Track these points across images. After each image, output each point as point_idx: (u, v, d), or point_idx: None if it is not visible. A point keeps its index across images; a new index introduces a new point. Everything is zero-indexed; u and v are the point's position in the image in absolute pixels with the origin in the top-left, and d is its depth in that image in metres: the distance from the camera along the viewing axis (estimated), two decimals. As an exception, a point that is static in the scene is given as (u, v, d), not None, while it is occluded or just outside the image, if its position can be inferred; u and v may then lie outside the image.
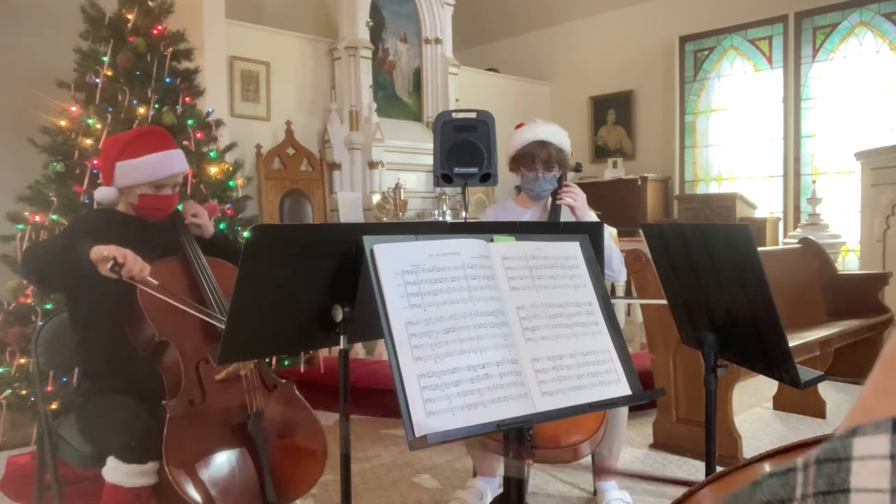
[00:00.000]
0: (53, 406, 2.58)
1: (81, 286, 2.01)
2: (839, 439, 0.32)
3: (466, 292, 1.19)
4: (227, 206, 3.46)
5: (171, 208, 2.23)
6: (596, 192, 6.16)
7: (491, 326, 1.18)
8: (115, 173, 2.14)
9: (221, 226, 3.35)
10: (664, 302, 1.70)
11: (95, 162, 2.95)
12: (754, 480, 0.34)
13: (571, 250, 1.37)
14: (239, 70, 5.90)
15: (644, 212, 7.30)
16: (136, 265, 1.83)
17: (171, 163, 2.17)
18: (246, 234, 3.35)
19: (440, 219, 6.19)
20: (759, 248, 1.52)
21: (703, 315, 1.56)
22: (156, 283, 1.90)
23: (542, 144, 2.49)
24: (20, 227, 3.03)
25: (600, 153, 8.29)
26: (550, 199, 2.54)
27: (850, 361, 3.73)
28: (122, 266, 1.80)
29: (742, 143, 7.27)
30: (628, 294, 4.83)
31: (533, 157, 2.48)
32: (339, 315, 1.51)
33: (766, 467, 0.57)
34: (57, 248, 1.90)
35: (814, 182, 6.33)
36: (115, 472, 1.86)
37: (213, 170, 3.43)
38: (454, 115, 2.79)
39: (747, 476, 0.58)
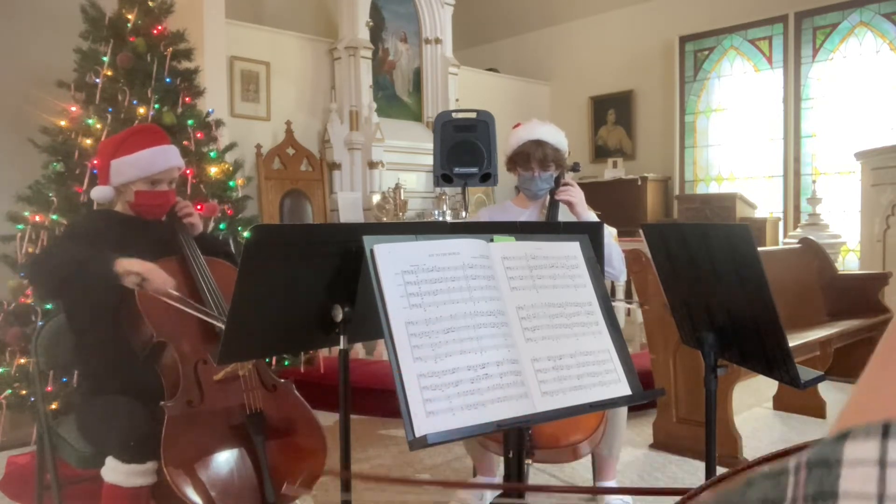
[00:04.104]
0: (53, 406, 2.58)
1: (89, 294, 2.01)
2: (830, 443, 0.32)
3: (466, 292, 1.19)
4: (227, 206, 3.46)
5: (168, 205, 2.23)
6: (596, 192, 6.16)
7: (491, 326, 1.18)
8: (110, 171, 2.15)
9: (221, 226, 3.35)
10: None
11: (95, 162, 2.95)
12: (748, 478, 0.35)
13: (571, 250, 1.37)
14: (239, 70, 5.89)
15: (644, 212, 7.29)
16: (160, 280, 1.88)
17: (166, 157, 2.18)
18: (246, 234, 3.35)
19: (440, 219, 6.19)
20: (759, 248, 1.51)
21: (704, 315, 1.56)
22: (178, 294, 1.93)
23: (538, 144, 2.48)
24: (20, 227, 3.03)
25: (600, 153, 8.29)
26: (548, 198, 2.54)
27: (850, 361, 3.72)
28: (147, 281, 1.85)
29: (742, 143, 7.26)
30: (628, 295, 4.83)
31: (529, 157, 2.48)
32: (339, 315, 1.50)
33: (766, 470, 0.57)
34: (73, 261, 1.89)
35: (814, 182, 6.32)
36: (114, 472, 1.86)
37: (213, 170, 3.43)
38: (454, 115, 2.78)
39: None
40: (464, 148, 2.69)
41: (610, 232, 2.43)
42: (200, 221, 2.31)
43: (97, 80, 3.23)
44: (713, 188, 7.47)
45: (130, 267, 1.85)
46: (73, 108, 3.20)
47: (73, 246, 1.98)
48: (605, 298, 1.35)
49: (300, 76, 6.36)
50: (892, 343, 0.35)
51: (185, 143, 3.31)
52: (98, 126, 3.13)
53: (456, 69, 7.12)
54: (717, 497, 0.36)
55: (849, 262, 6.36)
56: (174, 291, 1.92)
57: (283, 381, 2.15)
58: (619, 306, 4.78)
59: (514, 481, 1.36)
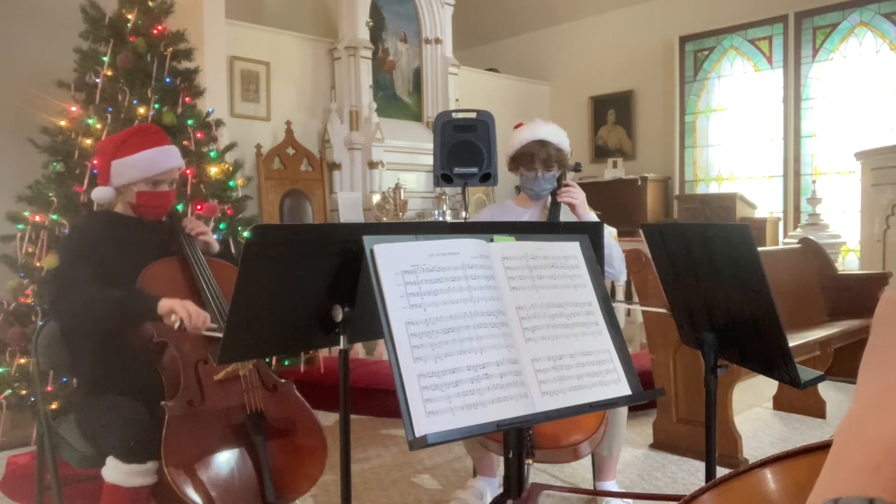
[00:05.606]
0: (53, 406, 2.58)
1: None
2: None
3: (466, 292, 1.19)
4: (227, 206, 3.45)
5: (169, 205, 2.23)
6: (596, 192, 6.16)
7: (491, 326, 1.18)
8: (111, 172, 2.14)
9: (221, 226, 3.35)
10: (663, 310, 1.70)
11: (95, 162, 2.95)
12: None
13: (571, 250, 1.37)
14: (239, 70, 5.90)
15: (644, 212, 7.30)
16: (199, 320, 1.90)
17: (167, 158, 2.18)
18: (246, 234, 3.35)
19: (440, 219, 6.19)
20: (759, 248, 1.51)
21: (703, 315, 1.56)
22: (215, 326, 1.95)
23: (541, 144, 2.48)
24: (20, 227, 3.03)
25: (600, 153, 8.29)
26: (550, 198, 2.54)
27: (850, 361, 3.72)
28: (187, 322, 1.88)
29: (742, 143, 7.27)
30: (628, 295, 4.83)
31: (532, 157, 2.48)
32: (339, 315, 1.50)
33: (768, 474, 0.57)
34: (110, 302, 1.91)
35: (814, 182, 6.33)
36: (115, 472, 1.86)
37: (213, 170, 3.42)
38: (454, 115, 2.78)
39: (747, 482, 0.57)
40: (464, 148, 2.69)
41: (610, 232, 2.43)
42: (215, 242, 2.32)
43: (97, 80, 3.23)
44: (713, 188, 7.48)
45: (171, 308, 1.88)
46: (73, 108, 3.20)
47: (86, 270, 1.98)
48: (605, 298, 1.35)
49: (300, 76, 6.36)
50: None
51: (185, 143, 3.31)
52: (98, 126, 3.13)
53: (456, 69, 7.12)
54: None
55: (849, 262, 6.36)
56: (213, 324, 1.95)
57: (283, 381, 2.15)
58: (619, 307, 4.78)
59: (515, 482, 1.36)
